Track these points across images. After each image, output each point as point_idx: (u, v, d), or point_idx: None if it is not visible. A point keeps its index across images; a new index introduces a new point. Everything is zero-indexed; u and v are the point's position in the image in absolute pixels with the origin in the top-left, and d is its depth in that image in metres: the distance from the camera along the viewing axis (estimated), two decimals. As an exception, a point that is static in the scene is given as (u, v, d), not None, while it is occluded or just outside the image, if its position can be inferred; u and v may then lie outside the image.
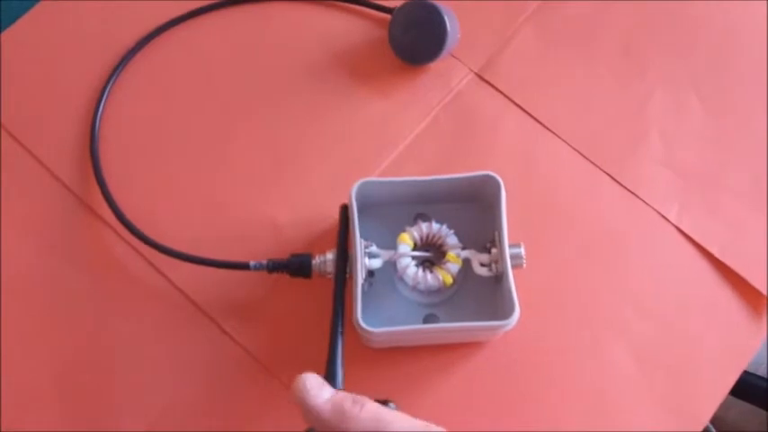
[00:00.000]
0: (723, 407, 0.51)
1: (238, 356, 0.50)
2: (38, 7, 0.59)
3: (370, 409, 0.37)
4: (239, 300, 0.51)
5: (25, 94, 0.57)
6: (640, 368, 0.50)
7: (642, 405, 0.49)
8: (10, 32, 0.58)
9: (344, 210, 0.48)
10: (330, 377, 0.43)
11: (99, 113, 0.56)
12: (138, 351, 0.50)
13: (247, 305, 0.51)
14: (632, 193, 0.55)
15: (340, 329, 0.45)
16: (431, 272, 0.48)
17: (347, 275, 0.47)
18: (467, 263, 0.48)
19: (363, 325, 0.45)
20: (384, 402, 0.40)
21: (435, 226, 0.49)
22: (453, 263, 0.48)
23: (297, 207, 0.53)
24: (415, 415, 0.38)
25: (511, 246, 0.47)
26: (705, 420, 0.50)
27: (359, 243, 0.46)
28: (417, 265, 0.48)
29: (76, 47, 0.58)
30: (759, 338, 0.52)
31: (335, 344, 0.44)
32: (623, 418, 0.49)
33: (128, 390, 0.49)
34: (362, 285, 0.46)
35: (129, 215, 0.52)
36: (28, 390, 0.49)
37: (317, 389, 0.38)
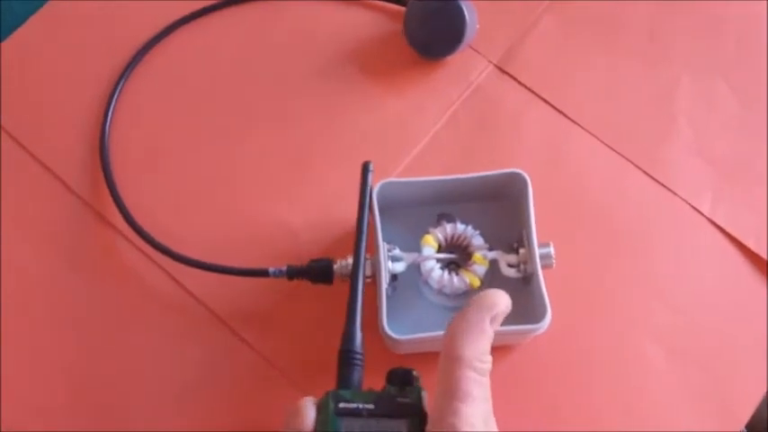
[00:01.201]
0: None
1: (258, 366, 0.48)
2: (44, 10, 0.58)
3: None
4: (257, 307, 0.50)
5: (32, 98, 0.56)
6: (675, 367, 0.48)
7: (678, 405, 0.48)
8: (16, 36, 0.57)
9: (365, 168, 0.45)
10: (348, 337, 0.41)
11: (108, 117, 0.54)
12: (154, 361, 0.49)
13: (266, 313, 0.49)
14: (663, 185, 0.53)
15: (360, 283, 0.42)
16: (456, 274, 0.46)
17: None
18: (494, 264, 0.47)
19: (389, 332, 0.43)
20: (406, 370, 0.39)
21: (460, 227, 0.47)
22: (480, 264, 0.46)
23: (314, 211, 0.52)
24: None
25: (539, 245, 0.46)
26: (744, 419, 0.48)
27: (381, 247, 0.45)
28: (442, 268, 0.46)
29: (84, 49, 0.57)
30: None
31: (355, 300, 0.42)
32: (658, 418, 0.48)
33: (142, 400, 0.48)
34: (386, 290, 0.44)
35: (141, 221, 0.51)
36: (37, 402, 0.48)
37: None
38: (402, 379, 0.39)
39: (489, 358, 0.37)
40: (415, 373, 0.39)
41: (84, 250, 0.51)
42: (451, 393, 0.35)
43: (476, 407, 0.35)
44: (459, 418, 0.34)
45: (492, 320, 0.38)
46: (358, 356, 0.40)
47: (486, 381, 0.36)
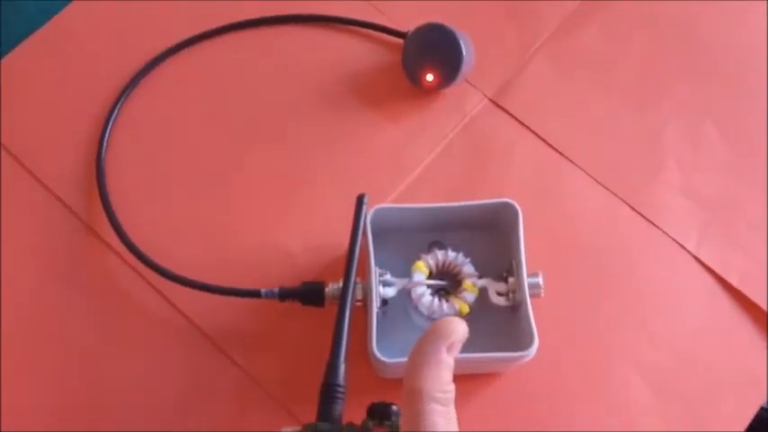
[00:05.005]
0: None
1: (247, 387, 0.49)
2: (44, 29, 0.59)
3: None
4: (249, 329, 0.50)
5: (31, 116, 0.56)
6: (658, 401, 0.49)
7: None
8: (15, 54, 0.58)
9: (360, 201, 0.45)
10: (332, 371, 0.40)
11: (106, 136, 0.55)
12: (144, 380, 0.49)
13: (257, 334, 0.50)
14: (650, 221, 0.54)
15: (347, 319, 0.42)
16: (446, 301, 0.47)
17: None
18: (483, 292, 0.47)
19: (378, 355, 0.43)
20: (386, 405, 0.39)
21: (451, 254, 0.48)
22: (469, 292, 0.47)
23: (309, 234, 0.52)
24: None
25: (528, 275, 0.46)
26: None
27: (374, 271, 0.45)
28: (432, 294, 0.47)
29: (83, 69, 0.58)
30: (780, 370, 0.51)
31: (340, 333, 0.41)
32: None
33: (132, 420, 0.48)
34: (377, 314, 0.45)
35: (136, 240, 0.51)
36: (29, 421, 0.48)
37: None
38: (381, 413, 0.39)
39: (451, 387, 0.36)
40: (394, 407, 0.39)
41: (79, 267, 0.52)
42: (416, 428, 0.34)
43: None
44: None
45: (449, 349, 0.37)
46: (340, 390, 0.40)
47: (451, 410, 0.36)
